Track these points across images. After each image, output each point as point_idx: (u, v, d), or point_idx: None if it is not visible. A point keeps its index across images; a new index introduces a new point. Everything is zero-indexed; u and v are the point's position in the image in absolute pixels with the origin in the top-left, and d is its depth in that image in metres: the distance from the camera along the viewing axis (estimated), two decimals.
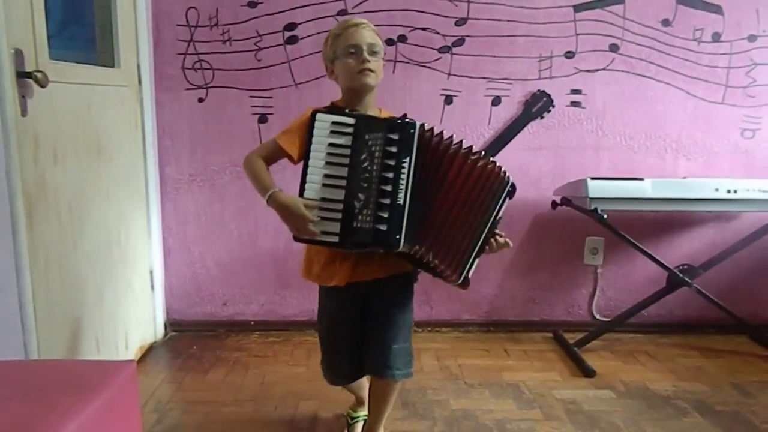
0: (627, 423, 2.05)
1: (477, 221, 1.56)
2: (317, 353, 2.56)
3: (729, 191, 2.35)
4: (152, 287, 2.68)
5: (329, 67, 1.65)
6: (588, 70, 2.68)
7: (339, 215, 1.51)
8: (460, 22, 2.62)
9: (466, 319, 2.88)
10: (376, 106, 1.68)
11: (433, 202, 1.54)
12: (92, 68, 2.22)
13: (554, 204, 2.63)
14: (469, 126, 2.70)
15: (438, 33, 2.62)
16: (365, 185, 1.50)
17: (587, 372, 2.41)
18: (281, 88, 2.64)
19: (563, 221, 2.75)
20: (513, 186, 1.60)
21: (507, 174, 1.59)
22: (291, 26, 2.59)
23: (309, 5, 2.58)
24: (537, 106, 2.69)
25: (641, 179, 2.40)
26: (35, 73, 1.65)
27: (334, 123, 1.52)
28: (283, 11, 2.58)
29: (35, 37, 1.71)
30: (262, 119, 2.67)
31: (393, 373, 1.66)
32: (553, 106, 2.69)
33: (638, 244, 2.52)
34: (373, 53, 1.57)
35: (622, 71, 2.68)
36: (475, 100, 2.68)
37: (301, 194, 1.53)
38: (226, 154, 2.69)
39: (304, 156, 1.53)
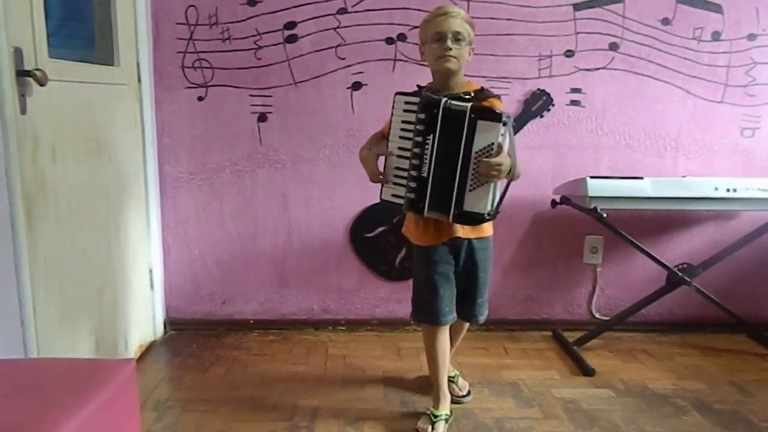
0: (626, 421, 2.05)
1: (454, 160, 1.73)
2: (316, 352, 2.59)
3: (728, 190, 2.35)
4: (151, 286, 2.68)
5: (421, 50, 1.90)
6: (588, 69, 2.68)
7: (404, 181, 1.81)
8: None
9: None
10: (465, 85, 1.88)
11: (455, 171, 1.74)
12: (92, 66, 2.22)
13: (554, 203, 2.63)
14: None
15: None
16: (411, 158, 1.78)
17: (586, 371, 2.41)
18: (281, 86, 2.64)
19: (563, 220, 2.75)
20: (475, 110, 1.70)
21: (470, 104, 1.72)
22: (291, 25, 2.59)
23: (309, 4, 2.57)
24: (536, 104, 2.69)
25: (641, 178, 2.40)
26: (34, 72, 1.65)
27: (406, 102, 1.80)
28: (283, 10, 2.58)
29: (34, 36, 1.71)
30: (262, 118, 2.67)
31: (478, 319, 2.05)
32: (553, 105, 2.69)
33: (638, 243, 2.52)
34: (456, 41, 1.79)
35: (622, 70, 2.68)
36: None
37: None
38: (226, 152, 2.69)
39: (389, 130, 1.85)
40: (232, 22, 2.59)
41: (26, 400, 1.08)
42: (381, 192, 1.88)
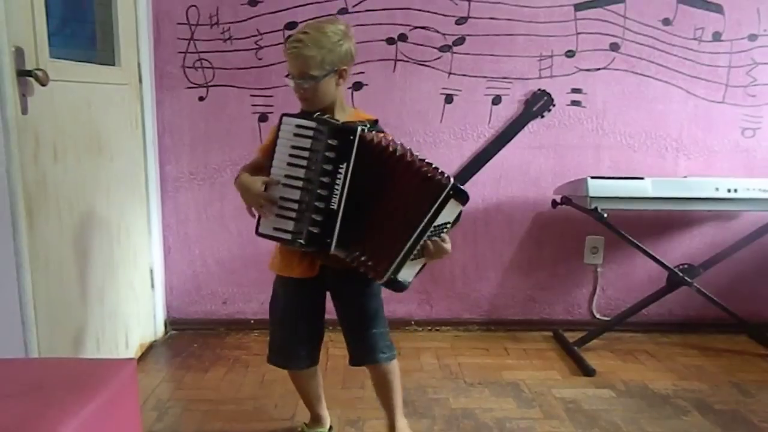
0: (627, 422, 2.05)
1: (410, 225, 1.52)
2: None
3: (729, 190, 2.35)
4: (152, 285, 2.68)
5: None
6: (588, 69, 2.68)
7: (294, 214, 1.58)
8: (461, 21, 2.62)
9: (466, 318, 2.88)
10: (350, 110, 1.73)
11: (372, 207, 1.55)
12: (93, 66, 2.22)
13: (554, 203, 2.63)
14: (469, 125, 2.70)
15: (438, 32, 2.62)
16: (309, 188, 1.56)
17: (587, 371, 2.41)
18: (282, 86, 2.64)
19: (563, 220, 2.75)
20: (455, 189, 1.50)
21: (447, 177, 1.51)
22: (292, 25, 2.59)
23: (310, 4, 2.57)
24: (537, 105, 2.69)
25: (641, 178, 2.40)
26: (36, 72, 1.65)
27: (297, 126, 1.58)
28: (284, 9, 2.58)
29: (36, 36, 1.71)
30: (263, 118, 2.67)
31: (378, 357, 1.75)
32: (554, 105, 2.69)
33: (638, 244, 2.52)
34: (308, 78, 1.61)
35: (623, 70, 2.68)
36: (476, 99, 2.68)
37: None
38: (227, 152, 2.69)
39: (270, 154, 1.61)
40: (233, 22, 2.59)
41: (27, 400, 1.08)
42: (258, 225, 1.65)
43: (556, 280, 2.87)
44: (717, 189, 2.36)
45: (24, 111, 1.66)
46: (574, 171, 2.68)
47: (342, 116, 1.67)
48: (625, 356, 2.59)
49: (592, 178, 2.38)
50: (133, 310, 2.47)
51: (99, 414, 1.11)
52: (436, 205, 1.49)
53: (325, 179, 1.55)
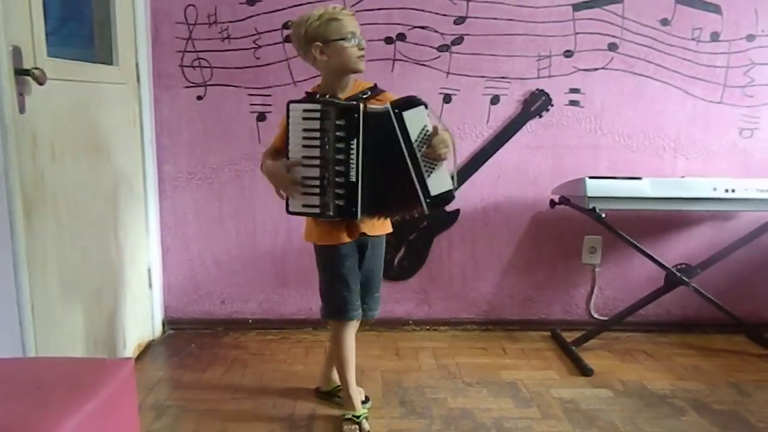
0: (624, 422, 2.05)
1: (398, 156, 1.71)
2: (315, 351, 2.59)
3: (727, 191, 2.35)
4: (150, 285, 2.68)
5: (318, 48, 1.76)
6: (587, 69, 2.68)
7: (317, 190, 1.76)
8: (459, 20, 2.62)
9: (464, 317, 2.88)
10: (355, 84, 1.88)
11: (382, 168, 1.74)
12: (90, 66, 2.22)
13: (552, 203, 2.63)
14: (467, 124, 2.70)
15: (437, 32, 2.62)
16: (327, 165, 1.73)
17: (585, 371, 2.41)
18: (280, 86, 2.64)
19: (561, 220, 2.75)
20: (397, 106, 1.70)
21: (388, 105, 1.72)
22: (290, 24, 2.59)
23: (308, 3, 2.57)
24: (536, 105, 2.69)
25: (639, 178, 2.40)
26: (33, 71, 1.65)
27: (304, 110, 1.74)
28: (282, 9, 2.58)
29: (33, 35, 1.71)
30: (261, 117, 2.67)
31: (375, 313, 2.05)
32: (552, 105, 2.70)
33: (636, 244, 2.52)
34: (362, 38, 1.80)
35: (621, 70, 2.69)
36: (474, 99, 2.68)
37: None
38: (225, 152, 2.69)
39: (285, 140, 1.77)
40: (231, 22, 2.59)
41: (24, 400, 1.08)
42: (288, 205, 1.81)
43: (554, 280, 2.87)
44: (715, 189, 2.36)
45: (21, 110, 1.66)
46: (572, 171, 2.68)
47: (352, 85, 1.85)
48: (623, 356, 2.59)
49: (590, 178, 2.38)
50: (130, 309, 2.47)
51: (97, 414, 1.11)
52: (397, 128, 1.70)
53: (340, 156, 1.72)
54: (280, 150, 1.84)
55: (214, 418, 2.04)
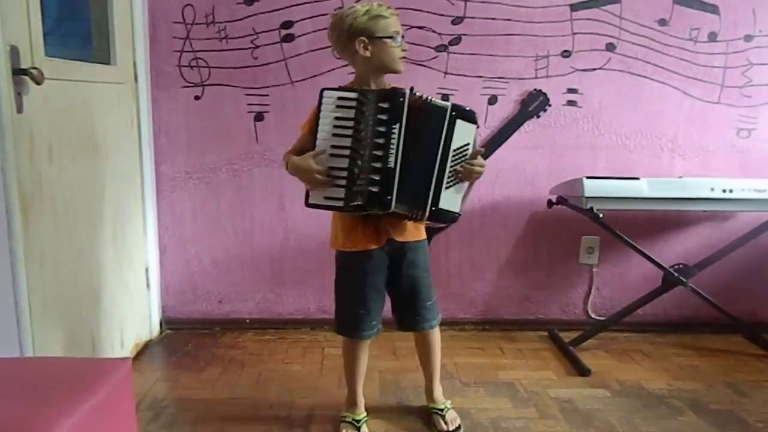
0: (622, 422, 2.05)
1: (431, 154, 1.70)
2: (313, 351, 2.58)
3: (724, 191, 2.35)
4: (148, 285, 2.68)
5: (363, 43, 1.73)
6: (584, 70, 2.68)
7: (343, 182, 1.68)
8: (457, 20, 2.62)
9: (461, 317, 2.88)
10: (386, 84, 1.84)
11: (416, 158, 1.69)
12: (88, 65, 2.21)
13: (550, 203, 2.63)
14: None
15: (434, 32, 2.62)
16: (363, 153, 1.67)
17: (582, 371, 2.41)
18: (278, 86, 2.64)
19: (559, 220, 2.76)
20: (456, 108, 1.70)
21: (447, 101, 1.72)
22: (287, 24, 2.59)
23: (306, 3, 2.57)
24: (533, 105, 2.69)
25: (637, 178, 2.40)
26: (31, 70, 1.65)
27: (339, 98, 1.68)
28: (280, 9, 2.58)
29: (31, 34, 1.70)
30: (259, 117, 2.67)
31: (431, 324, 1.95)
32: (550, 105, 2.70)
33: (634, 244, 2.52)
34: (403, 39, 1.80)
35: (619, 70, 2.69)
36: (472, 99, 2.68)
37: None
38: (223, 152, 2.69)
39: (313, 129, 1.70)
40: (228, 21, 2.59)
41: (21, 400, 1.08)
42: (307, 197, 1.72)
43: (552, 280, 2.87)
44: (712, 189, 2.36)
45: (19, 110, 1.66)
46: (570, 171, 2.68)
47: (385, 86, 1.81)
48: (620, 356, 2.59)
49: (588, 178, 2.38)
50: (128, 309, 2.46)
51: (94, 413, 1.11)
52: (445, 129, 1.69)
53: (380, 140, 1.66)
54: (305, 150, 1.74)
55: (211, 417, 2.04)
